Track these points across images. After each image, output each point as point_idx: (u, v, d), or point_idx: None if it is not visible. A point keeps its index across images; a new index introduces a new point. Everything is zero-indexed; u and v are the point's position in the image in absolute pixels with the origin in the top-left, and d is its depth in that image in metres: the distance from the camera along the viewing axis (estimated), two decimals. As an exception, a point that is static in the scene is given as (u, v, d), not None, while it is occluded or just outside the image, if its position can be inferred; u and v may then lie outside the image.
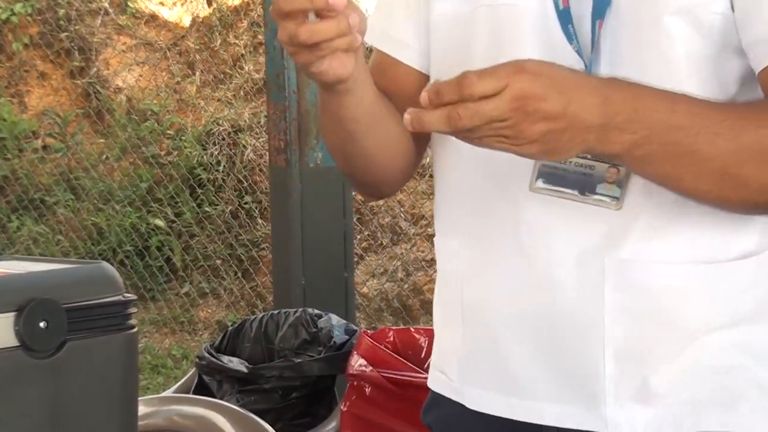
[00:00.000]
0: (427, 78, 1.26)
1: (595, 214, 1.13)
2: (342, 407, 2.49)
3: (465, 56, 1.19)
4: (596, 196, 1.13)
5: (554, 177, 1.14)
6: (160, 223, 5.54)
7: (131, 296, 1.30)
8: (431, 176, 4.95)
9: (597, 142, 1.03)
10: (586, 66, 1.12)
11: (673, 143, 1.04)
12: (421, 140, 1.28)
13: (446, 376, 1.27)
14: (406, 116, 1.01)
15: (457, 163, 1.22)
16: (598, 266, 1.13)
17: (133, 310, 1.29)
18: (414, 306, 4.65)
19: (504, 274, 1.18)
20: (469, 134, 1.01)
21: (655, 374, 1.15)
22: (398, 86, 1.24)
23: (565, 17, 1.13)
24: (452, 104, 0.99)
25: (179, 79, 6.05)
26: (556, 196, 1.14)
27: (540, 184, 1.15)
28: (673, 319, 1.14)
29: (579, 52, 1.13)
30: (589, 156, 1.11)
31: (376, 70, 1.23)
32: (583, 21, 1.13)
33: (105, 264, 1.29)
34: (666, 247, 1.13)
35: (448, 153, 1.24)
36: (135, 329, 1.30)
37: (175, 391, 2.82)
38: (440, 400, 1.28)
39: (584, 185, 1.13)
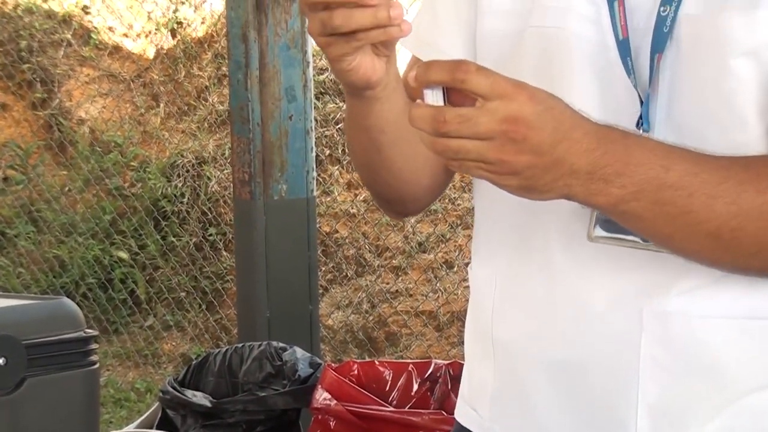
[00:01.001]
0: None
1: (634, 261, 1.07)
2: (307, 441, 2.47)
3: (515, 75, 1.10)
4: None
5: (613, 224, 1.05)
6: (123, 255, 5.50)
7: (92, 332, 1.28)
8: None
9: (580, 190, 0.97)
10: (642, 102, 1.06)
11: (665, 202, 0.98)
12: None
13: (477, 413, 1.21)
14: (412, 72, 0.95)
15: (496, 196, 1.15)
16: (636, 317, 1.08)
17: (94, 346, 1.28)
18: (379, 338, 4.64)
19: (534, 317, 1.13)
20: (449, 151, 0.95)
21: None
22: None
23: (624, 48, 1.07)
24: (440, 84, 0.93)
25: (143, 110, 6.04)
26: (616, 244, 1.07)
27: (599, 232, 1.08)
28: (715, 377, 1.08)
29: (636, 87, 1.07)
30: None
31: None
32: (641, 53, 1.07)
33: (66, 300, 1.27)
34: (714, 301, 1.07)
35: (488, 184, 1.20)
36: (96, 365, 1.29)
37: (139, 426, 2.79)
38: None
39: None
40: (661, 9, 1.06)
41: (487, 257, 1.21)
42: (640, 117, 1.06)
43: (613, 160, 0.97)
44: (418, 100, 0.98)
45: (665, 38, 1.05)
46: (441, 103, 0.96)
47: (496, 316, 1.18)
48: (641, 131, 1.06)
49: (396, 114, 1.11)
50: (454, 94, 0.96)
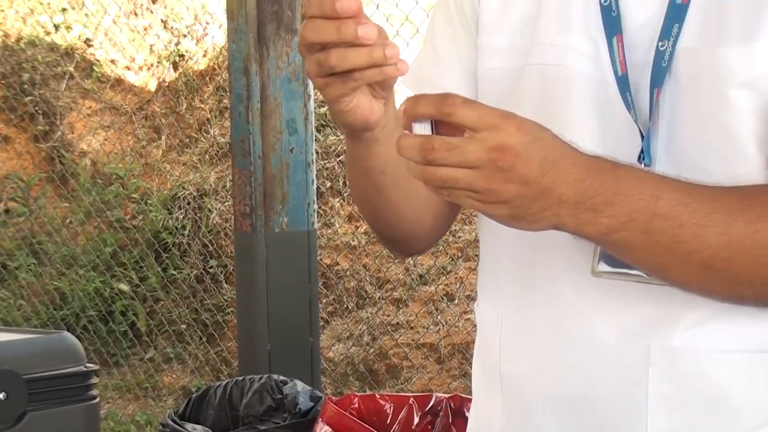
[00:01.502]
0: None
1: (641, 296, 1.07)
2: (307, 475, 2.46)
3: (515, 111, 1.11)
4: None
5: (617, 258, 1.05)
6: (124, 287, 5.50)
7: (93, 366, 1.28)
8: (397, 240, 4.97)
9: (570, 220, 0.97)
10: (643, 136, 1.07)
11: (656, 232, 0.98)
12: None
13: None
14: (401, 106, 0.97)
15: (499, 231, 1.14)
16: (643, 351, 1.08)
17: (95, 380, 1.28)
18: (380, 370, 4.63)
19: (541, 353, 1.14)
20: (437, 180, 0.95)
21: None
22: None
23: (623, 84, 1.08)
24: (427, 117, 0.94)
25: (145, 143, 6.05)
26: (620, 279, 1.07)
27: (603, 267, 1.08)
28: (723, 411, 1.08)
29: (636, 122, 1.07)
30: None
31: None
32: (640, 88, 1.08)
33: (66, 334, 1.28)
34: (721, 335, 1.07)
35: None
36: (96, 399, 1.29)
37: (138, 460, 2.78)
38: None
39: None
40: (659, 44, 1.07)
41: (493, 293, 1.21)
42: (642, 152, 1.07)
43: (603, 189, 0.97)
44: (406, 131, 0.98)
45: (664, 73, 1.06)
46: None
47: (503, 352, 1.18)
48: (643, 165, 1.07)
49: (396, 154, 1.11)
50: (443, 127, 0.97)
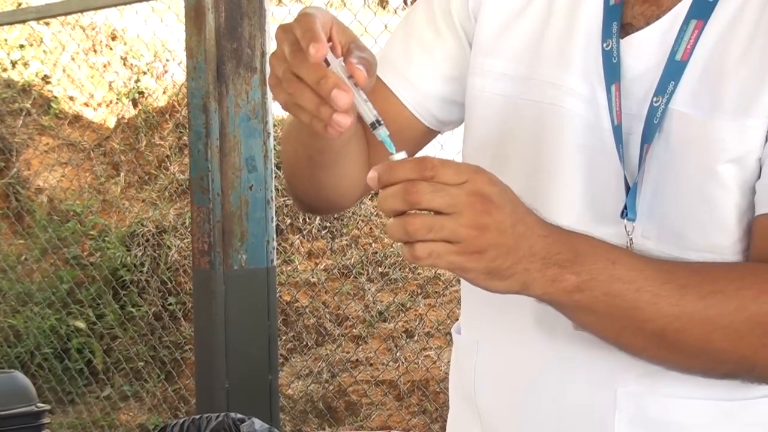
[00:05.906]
0: (417, 122, 1.22)
1: (608, 345, 1.07)
2: None
3: (505, 142, 1.15)
4: None
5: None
6: (80, 324, 5.44)
7: (45, 406, 1.27)
8: (356, 277, 4.96)
9: (538, 276, 0.97)
10: (629, 188, 1.08)
11: (615, 295, 0.99)
12: None
13: None
14: (372, 173, 0.95)
15: None
16: (610, 397, 1.10)
17: (46, 420, 1.26)
18: (339, 407, 4.61)
19: (514, 394, 1.16)
20: (423, 227, 0.93)
21: None
22: (384, 116, 1.05)
23: (618, 135, 1.09)
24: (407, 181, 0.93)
25: (103, 179, 6.02)
26: None
27: None
28: None
29: (625, 174, 1.08)
30: None
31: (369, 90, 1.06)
32: (631, 139, 1.09)
33: (17, 374, 1.26)
34: (687, 382, 1.08)
35: None
36: (48, 440, 1.27)
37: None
38: None
39: None
40: (654, 99, 1.08)
41: (470, 318, 1.23)
42: (625, 207, 1.08)
43: (565, 248, 0.98)
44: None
45: (655, 130, 1.07)
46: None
47: (478, 385, 1.20)
48: (626, 221, 1.08)
49: (341, 144, 1.12)
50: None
